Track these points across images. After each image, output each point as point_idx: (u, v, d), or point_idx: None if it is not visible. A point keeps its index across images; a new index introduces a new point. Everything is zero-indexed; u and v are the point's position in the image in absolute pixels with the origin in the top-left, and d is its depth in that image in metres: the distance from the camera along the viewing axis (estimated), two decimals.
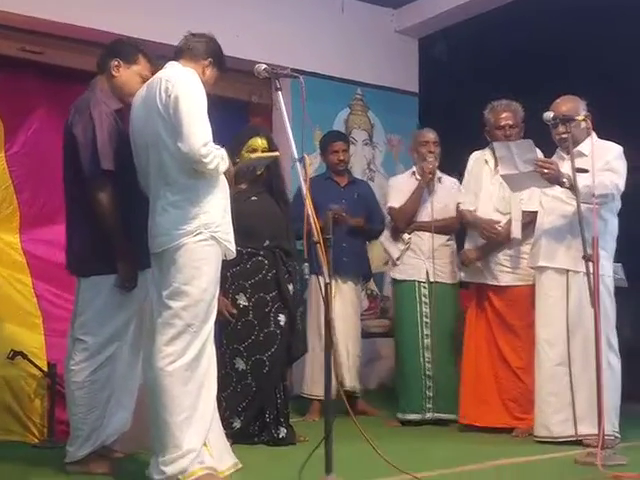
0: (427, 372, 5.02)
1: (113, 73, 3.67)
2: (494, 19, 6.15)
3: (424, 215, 5.10)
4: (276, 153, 4.24)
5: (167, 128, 3.25)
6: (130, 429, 3.70)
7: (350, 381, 5.28)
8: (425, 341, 5.04)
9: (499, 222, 4.70)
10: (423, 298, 5.08)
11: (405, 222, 5.14)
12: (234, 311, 4.30)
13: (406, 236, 5.14)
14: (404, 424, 5.03)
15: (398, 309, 5.24)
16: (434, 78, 7.00)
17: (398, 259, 5.15)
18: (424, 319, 5.06)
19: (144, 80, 3.62)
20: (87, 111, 3.55)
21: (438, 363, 5.01)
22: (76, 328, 3.59)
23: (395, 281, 5.24)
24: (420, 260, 5.10)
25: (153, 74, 3.52)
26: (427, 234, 5.08)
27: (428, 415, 5.00)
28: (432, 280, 5.05)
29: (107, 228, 3.51)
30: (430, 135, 5.21)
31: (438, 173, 5.17)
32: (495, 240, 4.70)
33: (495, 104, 4.84)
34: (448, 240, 5.16)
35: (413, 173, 5.27)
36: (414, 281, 5.10)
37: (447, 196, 5.13)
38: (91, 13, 5.40)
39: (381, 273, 6.64)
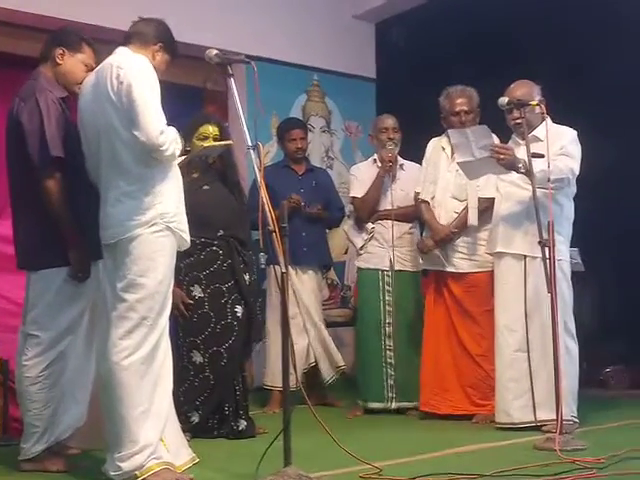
0: (389, 360, 5.01)
1: (57, 61, 3.61)
2: (451, 3, 6.12)
3: (386, 203, 5.07)
4: (229, 142, 4.18)
5: (119, 116, 3.18)
6: (85, 425, 3.63)
7: (328, 374, 5.28)
8: (387, 329, 5.03)
9: (449, 229, 4.68)
10: (386, 286, 5.06)
11: (368, 212, 5.11)
12: (190, 302, 4.23)
13: (369, 226, 5.11)
14: (367, 412, 5.02)
15: (360, 297, 5.23)
16: (391, 63, 6.98)
17: (361, 249, 5.13)
18: (387, 307, 5.04)
19: (88, 69, 3.59)
20: (33, 98, 3.48)
21: (400, 351, 5.00)
22: (28, 323, 3.52)
23: (359, 270, 5.22)
24: (383, 249, 5.08)
25: (97, 63, 3.47)
26: (390, 222, 5.05)
27: (392, 404, 4.99)
28: (396, 268, 5.03)
29: (57, 217, 3.44)
30: (389, 121, 5.16)
31: (400, 160, 5.15)
32: (446, 242, 4.71)
33: (450, 90, 4.82)
34: (410, 228, 5.15)
35: (374, 161, 5.23)
36: (377, 270, 5.08)
37: (409, 183, 5.08)
38: None
39: (342, 262, 6.63)
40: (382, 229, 5.09)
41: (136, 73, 3.18)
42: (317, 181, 5.48)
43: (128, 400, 3.11)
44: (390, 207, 5.02)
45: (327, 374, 5.32)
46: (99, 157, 3.29)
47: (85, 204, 3.42)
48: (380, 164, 5.12)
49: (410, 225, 5.14)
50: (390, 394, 4.99)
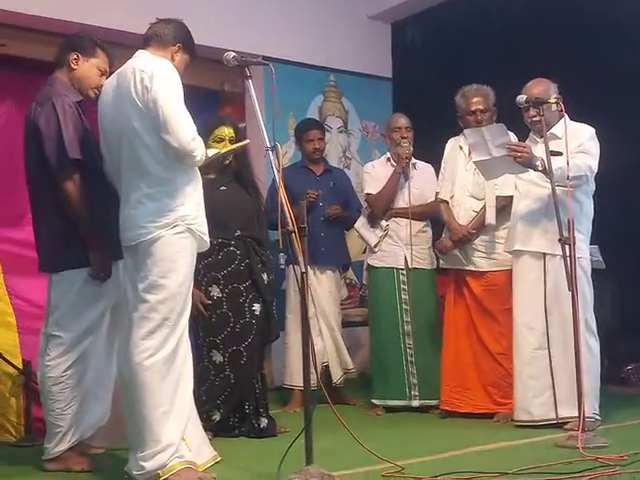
0: (410, 358, 5.01)
1: (72, 66, 3.65)
2: (466, 3, 6.11)
3: (401, 201, 5.08)
4: (245, 141, 4.18)
5: (143, 120, 3.20)
6: (108, 424, 3.66)
7: (337, 375, 5.26)
8: (406, 327, 5.02)
9: (467, 229, 4.68)
10: (402, 285, 5.06)
11: (383, 209, 5.10)
12: (208, 302, 4.25)
13: (384, 223, 5.11)
14: (387, 411, 5.01)
15: (376, 297, 5.20)
16: (408, 63, 6.97)
17: (376, 246, 5.12)
18: (403, 306, 5.04)
19: (102, 73, 3.65)
20: (49, 102, 3.52)
21: (421, 349, 5.00)
22: (50, 324, 3.55)
23: (372, 268, 5.20)
24: (398, 247, 5.08)
25: (112, 66, 3.52)
26: (405, 220, 5.04)
27: (414, 402, 4.98)
28: (410, 267, 5.03)
29: (77, 218, 3.48)
30: (402, 120, 5.17)
31: (412, 159, 5.15)
32: (464, 242, 4.70)
33: (465, 89, 4.81)
34: (425, 226, 5.15)
35: (388, 159, 5.24)
36: (392, 268, 5.07)
37: (423, 181, 5.11)
38: (54, 3, 5.31)
39: (360, 262, 6.61)
40: (396, 227, 5.08)
41: (163, 78, 3.20)
42: (335, 181, 5.49)
43: (150, 400, 3.13)
44: (405, 205, 5.03)
45: (336, 375, 5.31)
46: (120, 159, 3.32)
47: (103, 205, 3.45)
48: (394, 162, 5.14)
49: (424, 223, 5.14)
50: (413, 392, 4.98)
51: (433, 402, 4.97)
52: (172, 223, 3.21)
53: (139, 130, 3.21)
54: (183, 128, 3.17)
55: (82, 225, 3.48)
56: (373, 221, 5.16)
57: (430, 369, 4.96)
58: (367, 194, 5.20)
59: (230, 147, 4.23)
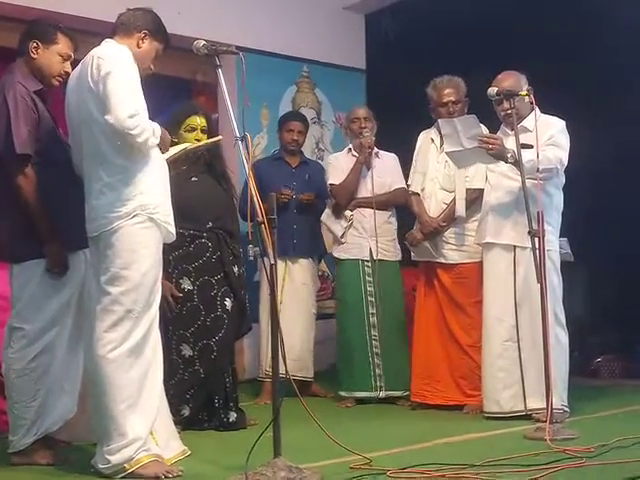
0: (375, 350, 5.02)
1: (32, 55, 3.59)
2: None
3: (364, 191, 5.09)
4: (218, 138, 4.13)
5: (98, 105, 3.16)
6: (77, 418, 3.62)
7: (301, 370, 5.24)
8: (371, 319, 5.04)
9: (437, 222, 4.69)
10: (367, 277, 5.07)
11: (346, 198, 5.11)
12: (179, 295, 4.22)
13: (348, 213, 5.12)
14: (358, 403, 5.02)
15: (342, 289, 5.21)
16: (381, 55, 6.97)
17: (342, 236, 5.12)
18: (369, 298, 5.05)
19: (65, 59, 3.59)
20: (1, 95, 3.48)
21: (386, 341, 5.01)
22: (13, 316, 3.51)
23: (338, 260, 5.20)
24: (363, 238, 5.09)
25: (76, 50, 3.49)
26: (369, 211, 5.05)
27: (380, 393, 5.00)
28: (376, 258, 5.04)
29: (30, 212, 3.45)
30: (360, 111, 5.21)
31: (375, 148, 5.14)
32: (434, 235, 4.71)
33: (437, 80, 4.82)
34: (390, 217, 5.16)
35: (349, 150, 5.27)
36: (357, 260, 5.09)
37: (386, 170, 5.13)
38: None
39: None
40: (361, 218, 5.09)
41: (113, 61, 3.17)
42: (310, 174, 5.47)
43: (115, 393, 3.10)
44: (369, 195, 5.05)
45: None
46: (82, 148, 3.28)
47: (61, 197, 3.41)
48: (355, 153, 5.16)
49: (389, 214, 5.15)
50: (379, 383, 5.00)
51: (398, 393, 5.01)
52: (132, 212, 3.16)
53: (96, 116, 3.17)
54: (120, 104, 3.08)
55: (35, 219, 3.45)
56: (337, 212, 5.17)
57: (395, 361, 4.99)
58: (331, 185, 5.19)
59: (199, 143, 4.15)
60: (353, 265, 5.09)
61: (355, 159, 5.14)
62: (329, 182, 5.21)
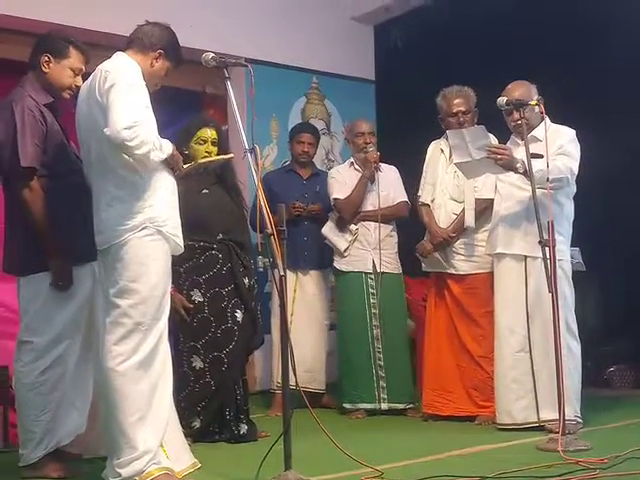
0: (379, 362, 5.02)
1: (43, 69, 3.61)
2: (449, 5, 6.12)
3: (368, 205, 5.10)
4: (229, 155, 4.13)
5: (104, 118, 3.15)
6: (91, 431, 3.60)
7: (312, 382, 5.22)
8: (374, 332, 5.04)
9: (447, 233, 4.68)
10: (370, 289, 5.07)
11: (352, 213, 5.11)
12: (190, 306, 4.21)
13: (353, 227, 5.11)
14: (369, 414, 5.00)
15: (343, 301, 5.21)
16: (390, 65, 6.96)
17: (346, 251, 5.11)
18: (372, 310, 5.06)
19: (76, 73, 3.60)
20: (9, 107, 3.49)
21: (390, 353, 5.02)
22: (22, 329, 3.52)
23: (340, 273, 5.19)
24: (366, 251, 5.09)
25: (87, 64, 3.50)
26: (373, 224, 5.07)
27: (383, 405, 5.00)
28: (379, 271, 5.03)
29: (35, 226, 3.45)
30: (365, 126, 5.21)
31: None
32: (443, 245, 4.70)
33: (446, 91, 4.81)
34: (392, 231, 5.17)
35: (352, 164, 5.27)
36: (360, 273, 5.09)
37: (389, 184, 5.14)
38: (34, 4, 5.27)
39: None
40: (365, 231, 5.10)
41: (118, 75, 3.15)
42: (321, 186, 5.46)
43: (125, 406, 3.09)
44: (372, 208, 5.06)
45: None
46: (91, 161, 3.28)
47: (69, 210, 3.42)
48: (357, 167, 5.18)
49: (391, 227, 5.16)
50: (382, 395, 5.00)
51: (402, 406, 5.01)
52: (140, 225, 3.15)
53: (103, 129, 3.15)
54: (117, 115, 3.04)
55: (40, 233, 3.45)
56: (342, 226, 5.15)
57: (399, 373, 5.01)
58: (335, 199, 5.17)
59: (210, 159, 4.14)
60: (356, 277, 5.09)
61: (357, 173, 5.14)
62: (333, 196, 5.18)
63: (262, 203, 3.18)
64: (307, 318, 5.32)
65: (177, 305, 4.09)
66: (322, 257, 5.38)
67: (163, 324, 3.22)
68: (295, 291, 5.29)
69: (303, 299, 5.33)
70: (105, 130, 3.08)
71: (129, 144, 3.05)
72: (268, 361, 5.48)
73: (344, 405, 5.08)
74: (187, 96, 6.12)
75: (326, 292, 5.49)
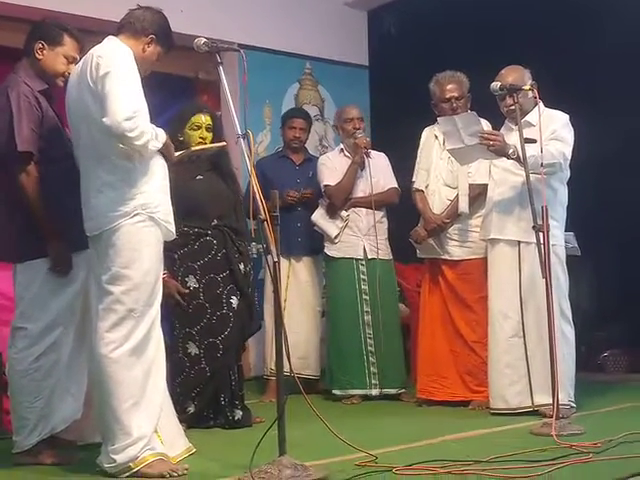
0: (370, 348, 5.05)
1: (37, 56, 3.59)
2: None
3: (359, 191, 5.11)
4: (222, 144, 4.13)
5: (97, 105, 3.14)
6: (84, 418, 3.60)
7: (306, 368, 5.23)
8: (365, 318, 5.06)
9: (441, 219, 4.68)
10: (361, 275, 5.08)
11: (342, 199, 5.11)
12: (185, 291, 4.21)
13: (344, 213, 5.11)
14: (364, 399, 5.03)
15: (334, 287, 5.21)
16: (384, 51, 6.95)
17: (336, 237, 5.11)
18: (363, 296, 5.07)
19: (69, 61, 3.58)
20: (4, 93, 3.48)
21: (380, 339, 5.03)
22: (16, 316, 3.51)
23: (331, 259, 5.19)
24: (357, 237, 5.09)
25: (82, 52, 3.45)
26: (364, 210, 5.08)
27: (374, 391, 5.03)
28: (370, 257, 5.04)
29: (32, 210, 3.44)
30: (354, 111, 5.21)
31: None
32: (438, 232, 4.71)
33: (439, 76, 4.80)
34: (382, 217, 5.18)
35: (341, 150, 5.27)
36: (352, 259, 5.10)
37: (379, 170, 5.14)
38: None
39: None
40: (356, 217, 5.10)
41: (112, 61, 3.14)
42: (314, 171, 5.45)
43: (118, 392, 3.09)
44: (363, 194, 5.07)
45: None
46: (80, 145, 3.27)
47: (66, 195, 3.40)
48: (347, 153, 5.17)
49: (382, 213, 5.17)
50: (373, 381, 5.02)
51: (393, 391, 5.04)
52: (132, 212, 3.14)
53: (95, 116, 3.14)
54: (117, 106, 3.04)
55: (37, 217, 3.44)
56: (333, 212, 5.15)
57: (389, 359, 5.03)
58: (326, 185, 5.16)
59: (203, 146, 4.14)
60: (347, 264, 5.10)
61: (347, 159, 5.14)
62: (324, 183, 5.17)
63: (255, 189, 3.17)
64: (300, 304, 5.33)
65: (172, 291, 4.09)
66: (315, 243, 5.38)
67: (155, 310, 3.22)
68: (288, 277, 5.29)
69: (296, 285, 5.33)
70: (105, 120, 3.06)
71: (129, 134, 3.06)
72: (262, 347, 5.49)
73: (334, 391, 5.10)
74: (180, 82, 6.11)
75: (319, 278, 5.49)
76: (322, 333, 5.46)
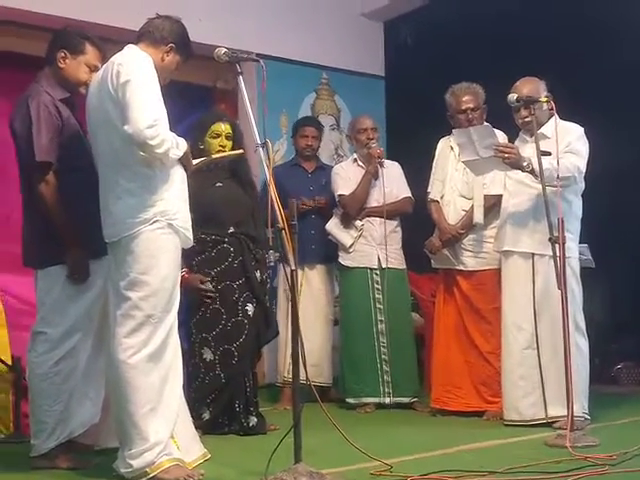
0: (383, 357, 5.06)
1: (59, 65, 3.63)
2: (458, 2, 6.12)
3: (373, 200, 5.13)
4: (240, 151, 4.15)
5: (118, 113, 3.16)
6: (102, 423, 3.62)
7: (319, 376, 5.24)
8: (379, 327, 5.07)
9: (456, 229, 4.69)
10: (375, 285, 5.09)
11: (357, 209, 5.13)
12: (207, 279, 4.23)
13: (359, 223, 5.13)
14: (356, 407, 5.05)
15: (348, 297, 5.22)
16: (400, 61, 6.98)
17: (351, 247, 5.13)
18: (377, 305, 5.08)
19: (92, 69, 3.61)
20: (25, 103, 3.52)
21: (394, 348, 5.04)
22: (37, 321, 3.55)
23: (345, 268, 5.21)
24: (371, 247, 5.11)
25: (103, 60, 3.49)
26: (378, 220, 5.10)
27: (387, 400, 5.04)
28: (384, 266, 5.06)
29: (52, 219, 3.48)
30: (367, 122, 5.23)
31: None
32: (452, 242, 4.72)
33: (455, 87, 4.81)
34: (396, 227, 5.20)
35: (355, 160, 5.29)
36: (365, 268, 5.11)
37: (392, 180, 5.16)
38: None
39: None
40: (370, 227, 5.12)
41: (133, 69, 3.16)
42: (327, 179, 5.48)
43: (136, 398, 3.11)
44: (377, 204, 5.09)
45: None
46: (99, 153, 3.31)
47: (86, 203, 3.43)
48: (360, 163, 5.20)
49: (396, 223, 5.19)
50: (387, 390, 5.03)
51: (405, 400, 5.05)
52: (151, 219, 3.16)
53: (115, 123, 3.17)
54: (138, 113, 3.06)
55: (56, 225, 3.48)
56: (347, 221, 5.17)
57: (403, 367, 5.05)
58: (340, 195, 5.19)
59: (221, 154, 4.18)
60: (361, 273, 5.12)
61: (361, 169, 5.17)
62: (338, 193, 5.19)
63: (274, 197, 3.19)
64: (313, 312, 5.34)
65: (195, 283, 4.16)
66: (328, 251, 5.39)
67: (173, 317, 3.24)
68: (302, 285, 5.30)
69: (309, 293, 5.35)
70: (126, 128, 3.09)
71: (151, 142, 3.08)
72: (274, 355, 5.50)
73: (347, 400, 5.11)
74: (198, 91, 6.14)
75: (331, 286, 5.51)
76: (334, 341, 5.48)
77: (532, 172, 4.11)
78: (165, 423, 3.16)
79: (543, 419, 4.26)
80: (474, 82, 4.82)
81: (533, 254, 4.31)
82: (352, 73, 6.93)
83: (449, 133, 4.89)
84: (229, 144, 4.32)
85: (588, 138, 4.33)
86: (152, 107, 3.11)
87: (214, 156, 4.08)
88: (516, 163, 4.17)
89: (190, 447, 3.39)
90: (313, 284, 5.39)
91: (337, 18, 6.84)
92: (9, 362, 4.27)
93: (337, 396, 5.38)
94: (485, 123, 4.58)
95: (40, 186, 3.47)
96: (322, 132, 5.67)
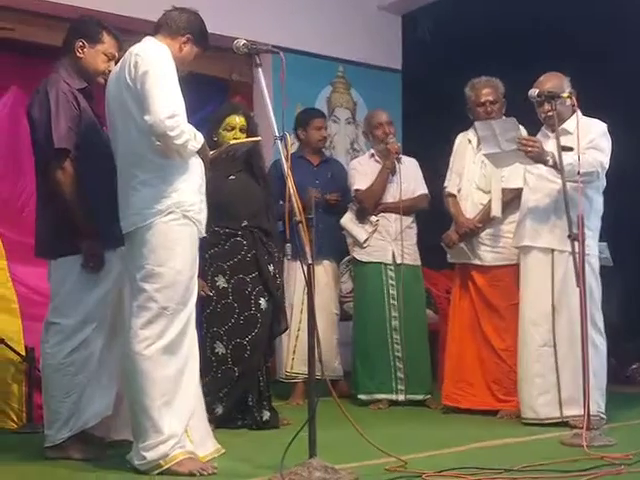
0: (397, 354, 5.02)
1: (78, 54, 3.62)
2: None
3: (389, 196, 5.10)
4: (257, 138, 4.14)
5: (136, 104, 3.16)
6: (116, 415, 3.61)
7: (325, 371, 5.19)
8: (393, 323, 5.04)
9: (473, 223, 4.66)
10: (390, 280, 5.06)
11: (373, 204, 5.10)
12: (210, 293, 4.22)
13: (374, 218, 5.10)
14: (368, 403, 5.03)
15: (362, 291, 5.19)
16: (417, 55, 6.94)
17: (365, 242, 5.10)
18: (391, 301, 5.05)
19: (109, 58, 3.62)
20: (44, 90, 3.52)
21: (408, 344, 5.01)
22: (50, 311, 3.54)
23: (359, 263, 5.18)
24: (386, 242, 5.08)
25: (120, 50, 3.50)
26: (394, 216, 5.07)
27: (400, 397, 5.01)
28: (399, 262, 5.03)
29: (68, 207, 3.47)
30: (383, 116, 5.19)
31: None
32: (469, 236, 4.68)
33: (475, 81, 4.79)
34: (412, 222, 5.17)
35: (372, 155, 5.25)
36: (380, 263, 5.08)
37: (410, 176, 5.12)
38: None
39: None
40: (385, 222, 5.09)
41: (151, 60, 3.16)
42: (333, 172, 5.45)
43: (150, 390, 3.10)
44: (393, 200, 5.06)
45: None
46: (117, 143, 3.30)
47: (101, 193, 3.42)
48: (377, 158, 5.16)
49: (411, 219, 5.16)
50: (400, 387, 5.01)
51: (419, 397, 5.02)
52: (166, 210, 3.15)
53: (134, 114, 3.17)
54: (158, 104, 3.07)
55: (73, 214, 3.46)
56: (362, 216, 5.14)
57: (417, 364, 5.01)
58: (356, 190, 5.16)
59: (239, 141, 4.17)
60: (375, 268, 5.09)
61: (378, 164, 5.14)
62: (354, 187, 5.17)
63: (292, 189, 3.17)
64: (319, 307, 5.28)
65: (198, 290, 4.10)
66: (335, 246, 5.36)
67: (190, 309, 3.23)
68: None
69: (316, 288, 5.29)
70: (147, 118, 3.09)
71: (171, 133, 3.08)
72: (279, 351, 5.45)
73: (360, 396, 5.08)
74: (213, 83, 6.12)
75: (336, 282, 5.47)
76: (341, 336, 5.44)
77: (554, 167, 4.08)
78: (180, 416, 3.15)
79: (558, 418, 4.23)
80: (493, 76, 4.79)
81: (553, 250, 4.27)
82: (369, 66, 6.89)
83: (466, 128, 4.87)
84: (243, 137, 4.30)
85: (611, 135, 4.28)
86: (172, 98, 3.12)
87: (232, 142, 4.06)
88: (539, 157, 4.13)
89: (204, 441, 3.37)
90: (319, 279, 5.31)
91: (354, 11, 6.80)
92: (22, 352, 4.26)
93: (346, 390, 5.36)
94: (509, 117, 4.52)
95: (57, 173, 3.46)
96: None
